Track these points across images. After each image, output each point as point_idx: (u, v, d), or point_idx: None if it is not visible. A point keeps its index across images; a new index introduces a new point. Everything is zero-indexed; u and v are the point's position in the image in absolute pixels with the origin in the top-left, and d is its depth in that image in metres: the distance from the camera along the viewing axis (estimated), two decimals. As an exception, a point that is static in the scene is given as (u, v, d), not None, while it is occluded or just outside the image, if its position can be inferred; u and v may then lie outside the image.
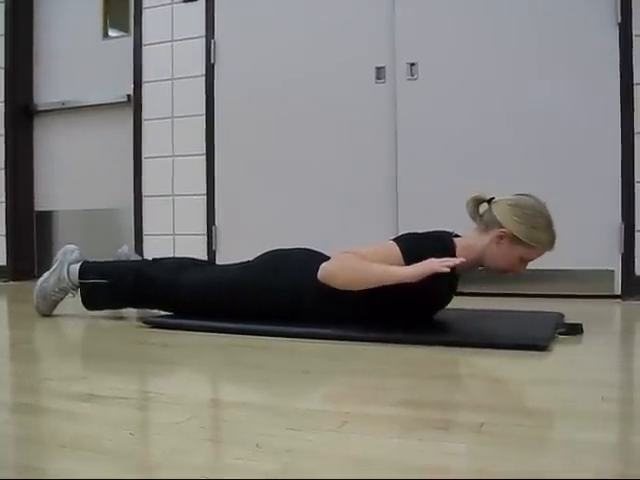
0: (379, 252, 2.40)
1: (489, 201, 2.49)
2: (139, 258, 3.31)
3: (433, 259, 2.25)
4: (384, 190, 3.99)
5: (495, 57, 3.78)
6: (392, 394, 1.65)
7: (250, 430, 1.33)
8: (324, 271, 2.42)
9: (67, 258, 2.97)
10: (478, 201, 2.52)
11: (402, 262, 2.35)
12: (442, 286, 2.45)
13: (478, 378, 1.86)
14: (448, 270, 2.21)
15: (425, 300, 2.47)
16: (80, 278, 2.90)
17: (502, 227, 2.39)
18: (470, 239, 2.48)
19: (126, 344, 2.46)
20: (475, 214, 2.53)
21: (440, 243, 2.45)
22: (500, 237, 2.40)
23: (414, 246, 2.41)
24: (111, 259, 3.20)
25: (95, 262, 2.98)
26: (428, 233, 2.52)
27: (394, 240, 2.47)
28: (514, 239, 2.38)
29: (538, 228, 2.38)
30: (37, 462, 1.19)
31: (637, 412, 1.50)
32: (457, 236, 2.51)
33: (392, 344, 2.24)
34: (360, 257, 2.36)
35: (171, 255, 4.43)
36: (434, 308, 2.62)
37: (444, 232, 2.54)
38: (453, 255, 2.40)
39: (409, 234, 2.53)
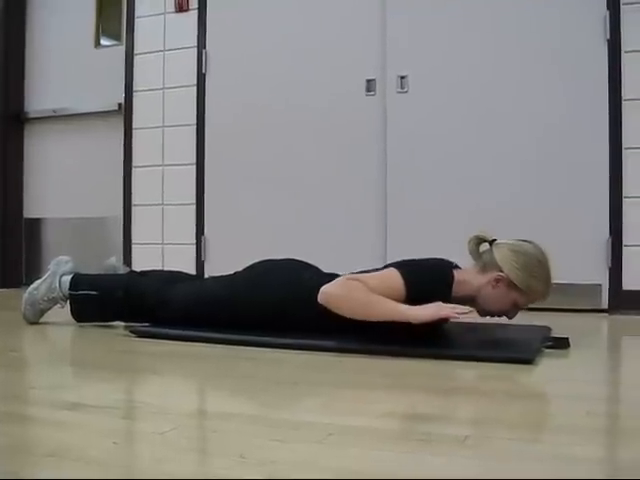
0: (382, 280, 2.38)
1: (491, 242, 2.50)
2: (127, 270, 3.30)
3: (441, 304, 2.26)
4: (373, 202, 4.00)
5: (485, 71, 3.80)
6: (378, 406, 1.65)
7: (235, 441, 1.33)
8: (327, 295, 2.37)
9: (60, 269, 2.97)
10: (480, 240, 2.53)
11: (404, 293, 2.34)
12: None
13: (463, 391, 1.87)
14: (458, 317, 2.23)
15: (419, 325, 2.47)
16: (70, 290, 2.90)
17: (501, 271, 2.40)
18: (467, 274, 2.48)
19: (113, 353, 2.46)
20: (475, 253, 2.53)
21: (441, 276, 2.44)
22: (497, 280, 2.40)
23: (416, 277, 2.39)
24: (99, 271, 3.20)
25: (86, 275, 2.98)
26: (429, 262, 2.51)
27: (395, 267, 2.45)
28: (510, 284, 2.39)
29: (536, 277, 2.39)
30: (22, 471, 1.18)
31: (622, 427, 1.51)
32: (457, 267, 2.52)
33: (379, 356, 2.24)
34: (366, 287, 2.33)
35: (160, 266, 4.42)
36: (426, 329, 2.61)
37: (444, 262, 2.53)
38: (451, 289, 2.42)
39: (410, 262, 2.51)
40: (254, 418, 1.52)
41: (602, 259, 3.59)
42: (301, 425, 1.45)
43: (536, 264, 2.40)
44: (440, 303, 2.27)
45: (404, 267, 2.43)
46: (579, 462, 1.21)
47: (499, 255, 2.42)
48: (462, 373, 2.07)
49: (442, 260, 2.54)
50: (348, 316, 2.34)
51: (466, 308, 2.27)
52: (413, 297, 2.32)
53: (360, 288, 2.33)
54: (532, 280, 2.38)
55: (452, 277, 2.44)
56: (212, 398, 1.86)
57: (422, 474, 1.16)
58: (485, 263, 2.47)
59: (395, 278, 2.38)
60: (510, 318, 2.49)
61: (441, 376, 2.04)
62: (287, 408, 1.65)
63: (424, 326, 2.24)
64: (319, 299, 2.38)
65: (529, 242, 2.46)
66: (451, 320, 2.28)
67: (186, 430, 1.44)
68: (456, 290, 2.42)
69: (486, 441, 1.33)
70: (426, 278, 2.40)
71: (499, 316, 2.49)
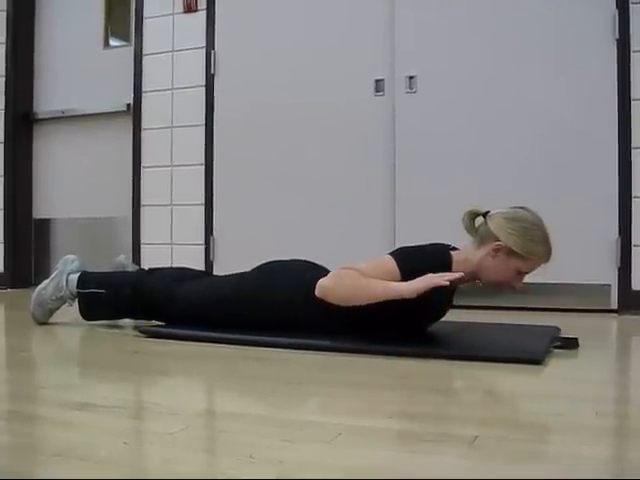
0: (376, 267, 2.40)
1: (484, 215, 2.49)
2: (136, 267, 3.30)
3: (431, 274, 2.26)
4: (382, 202, 3.99)
5: (494, 71, 3.79)
6: (386, 406, 1.65)
7: (244, 441, 1.34)
8: (321, 288, 2.41)
9: (67, 268, 2.97)
10: (474, 215, 2.52)
11: (399, 277, 2.35)
12: (438, 298, 2.45)
13: (472, 391, 1.87)
14: (448, 284, 2.22)
15: (421, 312, 2.47)
16: (78, 288, 2.90)
17: (498, 240, 2.39)
18: (466, 252, 2.47)
19: (121, 353, 2.46)
20: (471, 228, 2.52)
21: (437, 257, 2.45)
22: (496, 250, 2.40)
23: (411, 261, 2.40)
24: (108, 269, 3.21)
25: (93, 273, 2.98)
26: (425, 246, 2.52)
27: (391, 254, 2.47)
28: (510, 252, 2.38)
29: (534, 240, 2.38)
30: (30, 470, 1.19)
31: (631, 427, 1.50)
32: (454, 249, 2.51)
33: (386, 356, 2.24)
34: (358, 273, 2.36)
35: (168, 265, 4.43)
36: (430, 320, 2.62)
37: (441, 245, 2.54)
38: (450, 269, 2.41)
39: (406, 248, 2.53)
40: (263, 418, 1.53)
41: (611, 259, 3.58)
42: (309, 425, 1.45)
43: (532, 227, 2.39)
44: (430, 274, 2.26)
45: (398, 253, 2.46)
46: (587, 462, 1.21)
47: (494, 225, 2.42)
48: (470, 373, 2.06)
49: (438, 243, 2.54)
50: (345, 304, 2.36)
51: (457, 274, 2.26)
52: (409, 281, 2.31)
53: (352, 274, 2.36)
54: (530, 244, 2.37)
55: (449, 258, 2.45)
56: (221, 398, 1.87)
57: (431, 474, 1.16)
58: (482, 236, 2.46)
59: (389, 264, 2.40)
60: (516, 287, 2.47)
61: (449, 376, 2.04)
62: (295, 408, 1.66)
63: (421, 303, 2.25)
64: (316, 293, 2.41)
65: (522, 208, 2.46)
66: (442, 285, 2.22)
67: (195, 430, 1.45)
68: (457, 269, 2.40)
69: (495, 441, 1.33)
70: (421, 260, 2.41)
71: (505, 287, 2.48)
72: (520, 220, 2.40)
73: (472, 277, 2.45)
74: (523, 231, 2.38)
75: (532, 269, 2.44)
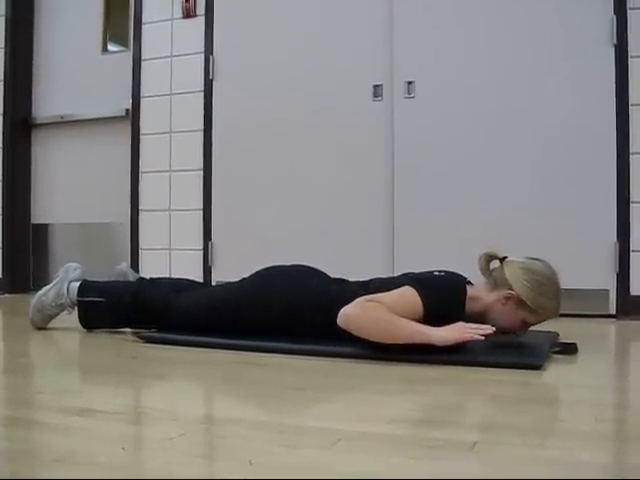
0: (400, 301, 2.33)
1: (501, 259, 2.49)
2: (137, 276, 3.30)
3: (464, 324, 2.25)
4: (381, 207, 4.00)
5: (492, 76, 3.80)
6: (386, 412, 1.65)
7: (243, 446, 1.33)
8: (346, 317, 2.32)
9: (68, 276, 2.97)
10: (490, 257, 2.52)
11: (421, 312, 2.31)
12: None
13: (473, 396, 1.86)
14: (482, 339, 2.22)
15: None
16: (78, 296, 2.90)
17: (511, 289, 2.39)
18: (479, 291, 2.47)
19: (120, 358, 2.46)
20: (485, 270, 2.52)
21: (457, 295, 2.43)
22: (507, 298, 2.39)
23: (433, 297, 2.35)
24: (108, 276, 3.21)
25: (94, 282, 2.98)
26: (445, 280, 2.49)
27: (411, 285, 2.40)
28: (520, 302, 2.38)
29: (546, 295, 2.38)
30: (30, 476, 1.18)
31: (630, 433, 1.50)
32: (469, 282, 2.51)
33: (388, 362, 2.23)
34: (386, 308, 2.28)
35: (167, 271, 4.43)
36: None
37: (458, 278, 2.52)
38: (464, 304, 2.41)
39: (425, 277, 2.49)
40: (262, 424, 1.52)
41: (609, 264, 3.58)
42: (309, 431, 1.45)
43: (546, 282, 2.39)
44: (462, 324, 2.26)
45: (419, 284, 2.39)
46: (587, 467, 1.21)
47: (509, 273, 2.41)
48: (471, 379, 2.06)
49: (456, 276, 2.52)
50: (367, 337, 2.29)
51: (488, 327, 2.26)
52: (429, 316, 2.31)
53: (381, 309, 2.28)
54: (541, 298, 2.37)
55: (465, 294, 2.44)
56: (220, 404, 1.86)
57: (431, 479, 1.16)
58: (495, 280, 2.46)
59: (412, 297, 2.34)
60: (519, 335, 2.48)
61: (449, 382, 2.04)
62: (295, 414, 1.65)
63: (447, 347, 2.23)
64: (338, 322, 2.32)
65: (540, 260, 2.46)
66: (475, 340, 2.23)
67: (194, 436, 1.44)
68: (468, 306, 2.41)
69: (494, 447, 1.33)
70: (443, 297, 2.38)
71: (508, 332, 2.48)
72: (535, 273, 2.40)
73: (479, 316, 2.43)
74: (537, 285, 2.37)
75: (538, 322, 2.46)
